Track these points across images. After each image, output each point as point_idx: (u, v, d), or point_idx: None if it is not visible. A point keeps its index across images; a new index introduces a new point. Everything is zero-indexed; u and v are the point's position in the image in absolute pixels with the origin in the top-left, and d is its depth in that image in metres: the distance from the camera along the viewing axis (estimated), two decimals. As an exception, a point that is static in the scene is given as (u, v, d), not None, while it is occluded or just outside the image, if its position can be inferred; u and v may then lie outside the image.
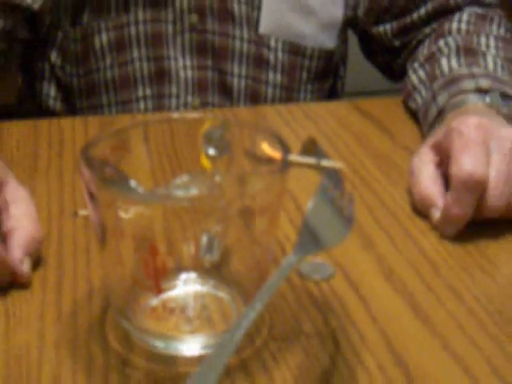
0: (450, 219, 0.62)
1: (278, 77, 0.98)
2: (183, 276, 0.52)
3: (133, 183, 0.45)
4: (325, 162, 0.45)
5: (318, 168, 0.45)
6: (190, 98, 0.96)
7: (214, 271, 0.52)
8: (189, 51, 0.94)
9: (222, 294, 0.52)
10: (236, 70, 0.96)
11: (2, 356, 0.48)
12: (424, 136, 0.81)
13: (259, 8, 0.94)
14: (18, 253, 0.54)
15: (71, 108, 0.98)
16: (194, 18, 0.93)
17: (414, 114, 0.89)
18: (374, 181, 0.73)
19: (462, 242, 0.62)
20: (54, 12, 0.92)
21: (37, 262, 0.57)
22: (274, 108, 0.94)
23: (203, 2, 0.93)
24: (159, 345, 0.48)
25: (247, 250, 0.50)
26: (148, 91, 0.95)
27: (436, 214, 0.63)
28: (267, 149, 0.46)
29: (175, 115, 0.54)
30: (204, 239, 0.50)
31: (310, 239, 0.42)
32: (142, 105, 0.96)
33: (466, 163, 0.60)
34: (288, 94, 0.99)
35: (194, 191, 0.51)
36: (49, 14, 0.92)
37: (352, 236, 0.62)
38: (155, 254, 0.44)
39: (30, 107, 1.03)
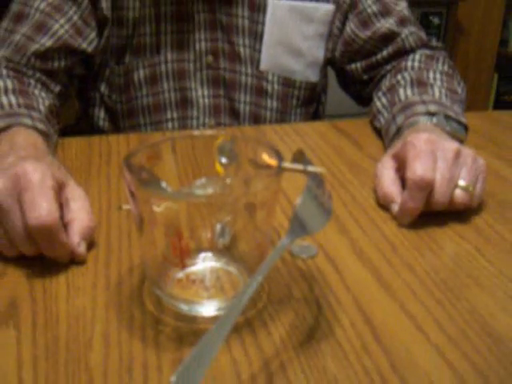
0: (406, 212, 0.62)
1: (274, 103, 0.97)
2: (202, 255, 0.51)
3: (163, 184, 0.45)
4: (310, 168, 0.45)
5: (304, 172, 0.45)
6: (207, 120, 0.96)
7: (226, 251, 0.52)
8: (206, 84, 0.94)
9: (232, 269, 0.51)
10: (242, 97, 0.96)
11: (64, 316, 0.48)
12: (385, 148, 0.81)
13: (260, 51, 0.94)
14: (76, 238, 0.54)
15: (116, 127, 0.98)
16: (210, 58, 0.93)
17: (377, 132, 0.89)
18: (348, 182, 0.73)
19: (414, 228, 0.62)
20: (103, 54, 0.92)
21: (90, 244, 0.56)
22: (271, 127, 0.93)
23: (217, 46, 0.93)
24: (184, 307, 0.48)
25: (251, 235, 0.50)
26: (175, 114, 0.95)
27: (395, 208, 0.63)
28: (266, 158, 0.46)
29: (195, 132, 0.54)
30: (217, 227, 0.50)
31: (298, 226, 0.42)
32: (170, 125, 0.96)
33: (418, 168, 0.60)
34: (282, 117, 0.99)
35: (210, 191, 0.50)
36: (99, 55, 0.91)
37: (331, 224, 0.62)
38: (180, 238, 0.44)
39: (84, 126, 1.03)
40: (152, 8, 0.89)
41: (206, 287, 0.49)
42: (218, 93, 0.95)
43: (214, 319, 0.47)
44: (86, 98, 1.00)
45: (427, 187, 0.60)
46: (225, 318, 0.37)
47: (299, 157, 0.48)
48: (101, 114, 0.98)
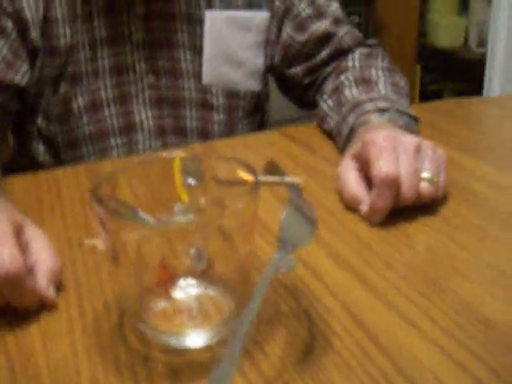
0: (376, 211, 0.62)
1: (221, 116, 0.96)
2: (181, 281, 0.50)
3: (140, 213, 0.43)
4: (287, 179, 0.44)
5: (281, 184, 0.44)
6: (153, 142, 0.94)
7: (204, 275, 0.50)
8: (149, 105, 0.92)
9: (214, 293, 0.50)
10: (188, 114, 0.94)
11: (45, 370, 0.44)
12: (339, 149, 0.81)
13: (201, 64, 0.93)
14: (43, 282, 0.50)
15: (57, 160, 0.94)
16: (151, 78, 0.91)
17: (327, 134, 0.89)
18: (309, 188, 0.71)
19: (385, 226, 0.62)
20: (37, 85, 0.88)
21: (58, 286, 0.53)
22: (221, 142, 0.92)
23: (157, 64, 0.91)
24: (171, 340, 0.46)
25: (230, 256, 0.48)
26: (119, 140, 0.92)
27: (364, 208, 0.63)
28: (242, 174, 0.44)
29: (152, 156, 0.52)
30: (192, 251, 0.49)
31: (286, 241, 0.41)
32: (115, 152, 0.93)
33: (383, 166, 0.60)
34: (229, 129, 0.97)
35: (191, 217, 0.48)
36: (33, 87, 0.88)
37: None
38: (165, 268, 0.42)
39: (23, 162, 0.98)
40: (85, 34, 0.86)
41: (192, 316, 0.47)
42: (163, 113, 0.93)
43: (206, 349, 0.45)
44: (22, 133, 0.95)
45: (394, 184, 0.60)
46: (232, 346, 0.36)
47: (271, 168, 0.47)
48: (40, 148, 0.94)
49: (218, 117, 0.96)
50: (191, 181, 0.51)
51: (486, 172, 0.75)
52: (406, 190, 0.61)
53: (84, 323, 0.49)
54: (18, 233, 0.52)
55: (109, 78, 0.89)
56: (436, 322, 0.48)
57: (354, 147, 0.68)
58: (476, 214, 0.64)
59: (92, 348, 0.46)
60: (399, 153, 0.62)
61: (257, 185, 0.42)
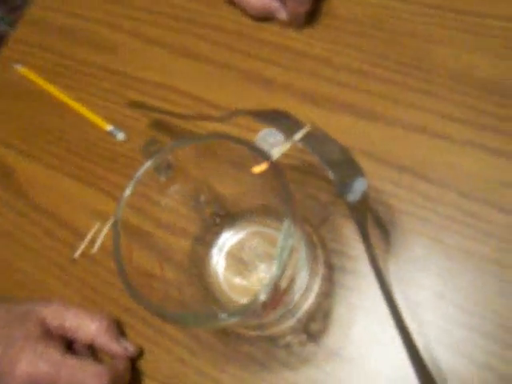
0: (298, 17, 0.55)
1: None
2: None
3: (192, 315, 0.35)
4: (299, 135, 0.37)
5: (296, 142, 0.37)
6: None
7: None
8: None
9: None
10: None
11: None
12: None
13: None
14: (116, 347, 0.46)
15: None
16: None
17: None
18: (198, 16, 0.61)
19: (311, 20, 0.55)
20: None
21: (121, 330, 0.49)
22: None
23: None
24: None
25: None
26: None
27: (283, 16, 0.56)
28: (257, 168, 0.37)
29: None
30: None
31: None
32: None
33: None
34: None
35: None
36: None
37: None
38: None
39: None
40: None
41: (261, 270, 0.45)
42: None
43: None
44: None
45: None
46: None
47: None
48: None
49: None
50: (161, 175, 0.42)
51: None
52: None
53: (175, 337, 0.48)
54: (52, 332, 0.46)
55: None
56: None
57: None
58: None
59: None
60: None
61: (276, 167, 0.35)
